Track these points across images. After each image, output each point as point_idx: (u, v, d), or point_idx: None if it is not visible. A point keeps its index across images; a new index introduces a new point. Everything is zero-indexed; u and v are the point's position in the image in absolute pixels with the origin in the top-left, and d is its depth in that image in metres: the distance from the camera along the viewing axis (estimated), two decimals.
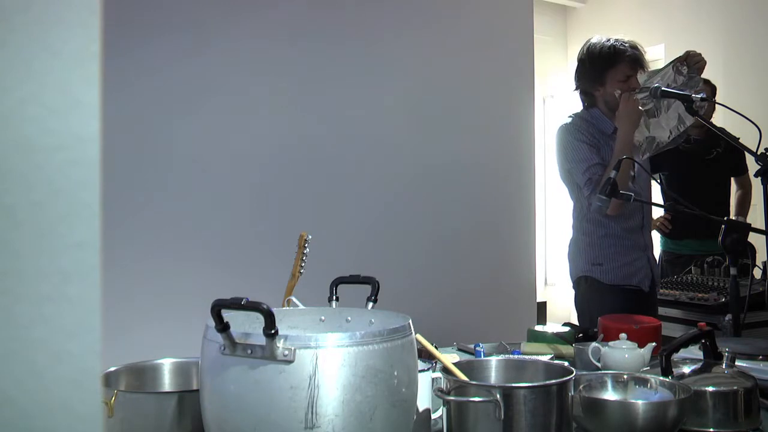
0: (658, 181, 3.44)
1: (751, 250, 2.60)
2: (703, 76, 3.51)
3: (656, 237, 3.66)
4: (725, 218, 2.01)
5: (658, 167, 3.48)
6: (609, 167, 2.25)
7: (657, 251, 3.64)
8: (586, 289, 2.43)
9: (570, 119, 2.46)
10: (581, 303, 2.46)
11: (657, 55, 4.76)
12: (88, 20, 0.44)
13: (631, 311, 2.15)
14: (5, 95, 0.42)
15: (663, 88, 2.22)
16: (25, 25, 0.42)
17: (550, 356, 1.78)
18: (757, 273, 2.84)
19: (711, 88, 3.41)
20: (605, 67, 2.37)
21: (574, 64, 2.53)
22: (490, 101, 3.17)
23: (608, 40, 2.39)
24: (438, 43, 3.05)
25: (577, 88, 2.51)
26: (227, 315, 0.97)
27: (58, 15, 0.43)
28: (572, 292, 2.51)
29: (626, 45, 2.37)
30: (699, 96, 2.10)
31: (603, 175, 2.25)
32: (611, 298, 2.35)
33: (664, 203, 3.38)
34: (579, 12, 6.02)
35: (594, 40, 2.42)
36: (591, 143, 2.36)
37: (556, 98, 5.80)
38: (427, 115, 3.01)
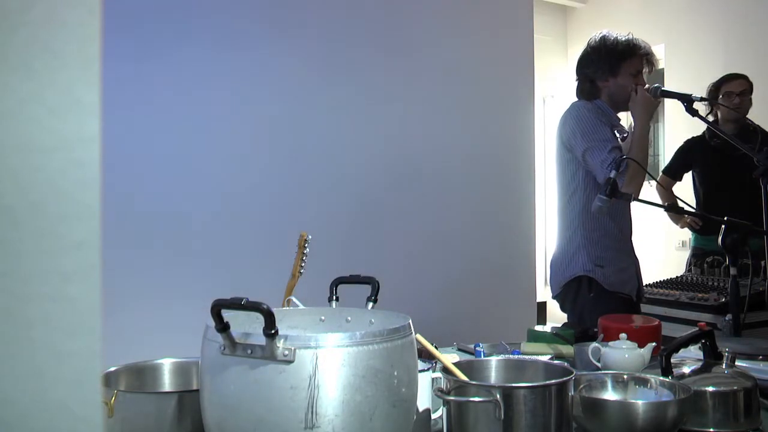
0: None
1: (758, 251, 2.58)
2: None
3: (687, 234, 3.78)
4: (725, 218, 2.00)
5: (689, 165, 3.55)
6: (630, 152, 2.23)
7: (689, 248, 3.72)
8: (586, 291, 2.33)
9: (582, 102, 2.41)
10: (580, 306, 2.35)
11: (657, 55, 4.75)
12: (88, 20, 0.44)
13: None
14: (5, 95, 0.42)
15: (663, 89, 2.23)
16: (26, 25, 0.42)
17: (550, 356, 1.78)
18: None
19: (749, 84, 3.40)
20: (621, 58, 2.37)
21: (575, 64, 2.52)
22: (490, 101, 3.17)
23: (622, 34, 2.40)
24: (438, 43, 3.05)
25: (580, 78, 2.47)
26: (227, 315, 0.97)
27: (58, 15, 0.43)
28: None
29: (641, 41, 2.40)
30: (698, 96, 2.11)
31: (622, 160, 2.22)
32: (608, 304, 2.27)
33: (696, 202, 3.44)
34: (579, 12, 6.02)
35: (607, 33, 2.42)
36: (610, 127, 2.33)
37: (556, 98, 5.80)
38: (427, 115, 3.01)
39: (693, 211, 3.32)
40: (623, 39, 2.39)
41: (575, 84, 2.51)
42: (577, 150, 2.31)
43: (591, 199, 2.30)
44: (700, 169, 3.54)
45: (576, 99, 2.49)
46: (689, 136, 3.65)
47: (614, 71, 2.38)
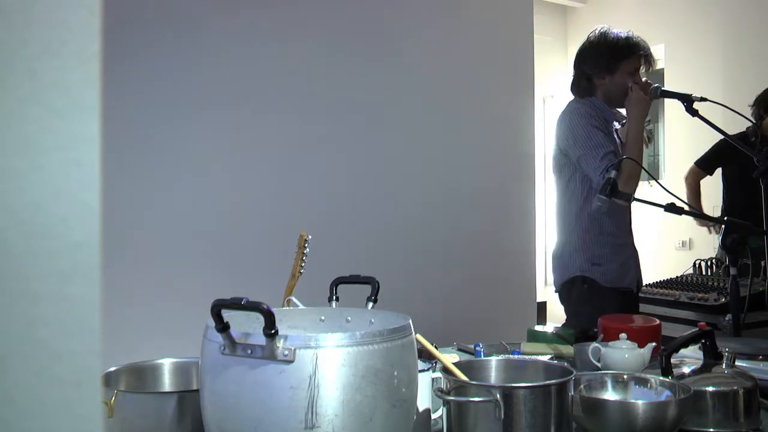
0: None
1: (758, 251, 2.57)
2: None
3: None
4: (725, 218, 2.00)
5: (724, 160, 3.53)
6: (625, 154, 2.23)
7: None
8: (583, 290, 2.37)
9: (576, 103, 2.41)
10: (576, 304, 2.39)
11: (657, 55, 4.76)
12: (88, 20, 0.44)
13: (621, 313, 2.14)
14: (5, 95, 0.42)
15: (663, 88, 2.23)
16: (26, 25, 0.42)
17: (550, 356, 1.78)
18: None
19: None
20: (620, 57, 2.36)
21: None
22: (490, 101, 3.17)
23: (622, 32, 2.40)
24: (438, 43, 3.05)
25: (576, 74, 2.47)
26: (227, 315, 0.97)
27: (58, 15, 0.43)
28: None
29: (640, 40, 2.40)
30: (699, 96, 2.11)
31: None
32: (606, 300, 2.31)
33: (723, 199, 3.37)
34: (579, 12, 6.03)
35: (608, 29, 2.42)
36: (603, 130, 2.32)
37: (556, 98, 5.80)
38: (426, 115, 3.01)
39: (694, 212, 3.30)
40: (624, 37, 2.39)
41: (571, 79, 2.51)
42: (572, 156, 2.35)
43: (587, 202, 2.34)
44: (730, 167, 3.52)
45: (571, 95, 2.49)
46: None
47: (612, 69, 2.38)
